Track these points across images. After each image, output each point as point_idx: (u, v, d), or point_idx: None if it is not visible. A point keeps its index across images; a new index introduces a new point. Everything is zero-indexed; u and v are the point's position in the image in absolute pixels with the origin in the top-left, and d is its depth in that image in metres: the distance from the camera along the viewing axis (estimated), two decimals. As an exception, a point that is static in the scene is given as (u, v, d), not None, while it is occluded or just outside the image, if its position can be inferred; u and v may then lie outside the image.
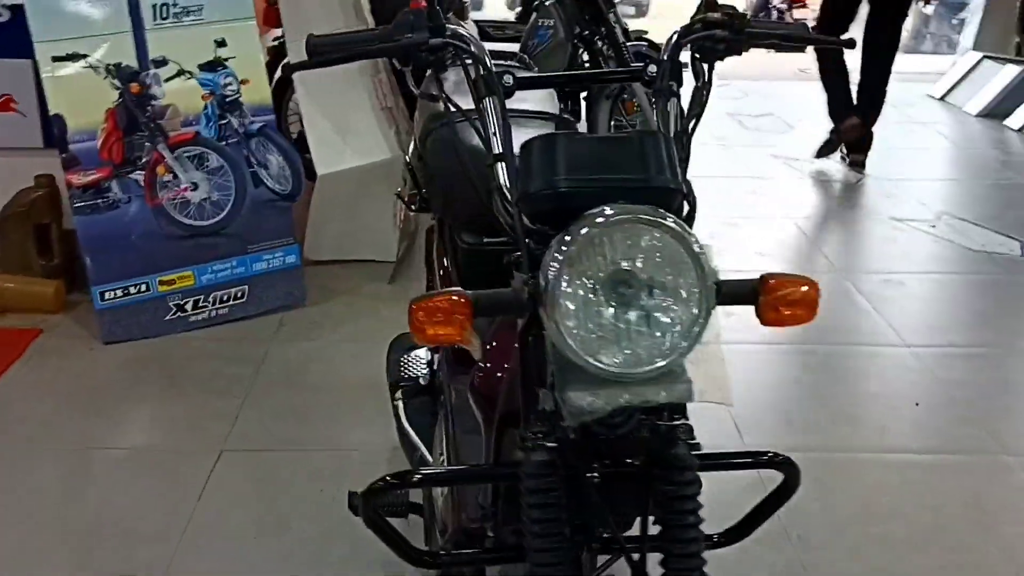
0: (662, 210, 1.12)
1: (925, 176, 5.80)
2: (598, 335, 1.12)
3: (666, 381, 1.14)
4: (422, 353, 2.55)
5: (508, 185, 1.33)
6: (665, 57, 1.38)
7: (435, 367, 2.45)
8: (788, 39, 1.40)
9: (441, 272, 2.11)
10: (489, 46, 5.31)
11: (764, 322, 1.20)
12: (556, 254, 1.12)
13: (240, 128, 3.53)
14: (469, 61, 1.40)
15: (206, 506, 2.58)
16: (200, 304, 3.53)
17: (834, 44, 1.52)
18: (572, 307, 1.11)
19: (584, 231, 1.11)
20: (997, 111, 6.95)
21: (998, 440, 2.95)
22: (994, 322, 3.84)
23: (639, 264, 1.12)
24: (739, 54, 1.39)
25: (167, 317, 3.48)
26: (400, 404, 2.21)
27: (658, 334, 1.13)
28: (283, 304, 3.71)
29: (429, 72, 2.55)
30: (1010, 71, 7.06)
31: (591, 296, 1.12)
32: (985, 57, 7.44)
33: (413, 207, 2.39)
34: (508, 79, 1.38)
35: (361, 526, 2.46)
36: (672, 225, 1.11)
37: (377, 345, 3.48)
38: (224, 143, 3.51)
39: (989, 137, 6.67)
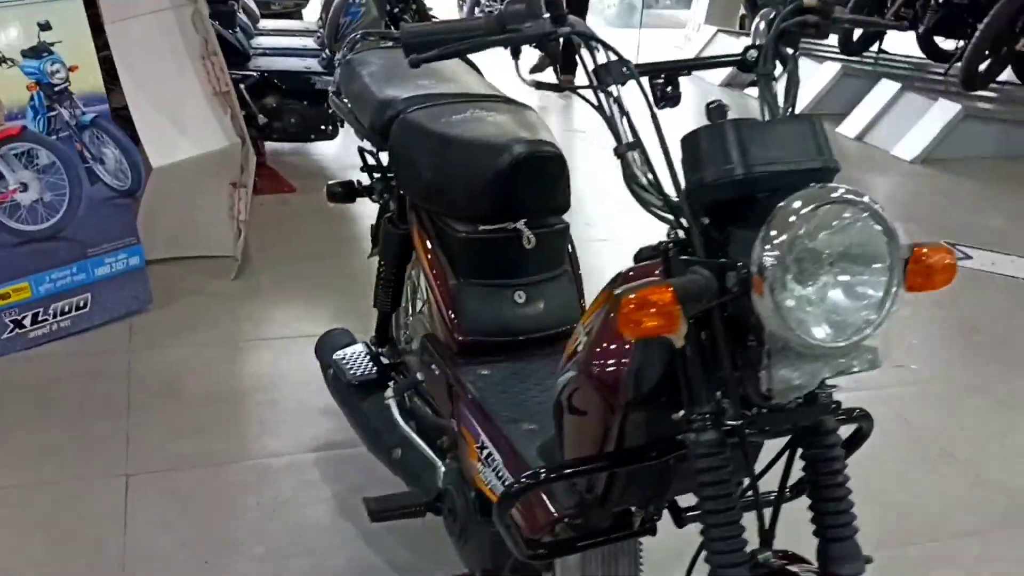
0: (853, 188, 1.19)
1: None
2: (810, 313, 1.17)
3: (857, 351, 1.21)
4: (359, 348, 2.47)
5: (646, 172, 1.34)
6: (763, 41, 1.43)
7: (381, 361, 2.39)
8: (859, 24, 1.51)
9: (429, 258, 2.05)
10: (281, 23, 5.13)
11: (909, 288, 1.29)
12: (770, 240, 1.15)
13: (72, 120, 3.19)
14: (584, 49, 1.38)
15: (136, 538, 2.35)
16: (40, 318, 3.16)
17: (892, 27, 1.64)
18: (797, 289, 1.16)
19: (797, 214, 1.15)
20: (736, 82, 7.58)
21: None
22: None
23: (845, 242, 1.18)
24: (826, 36, 1.48)
25: (4, 335, 3.09)
26: (392, 403, 2.12)
27: (860, 307, 1.19)
28: (129, 310, 3.40)
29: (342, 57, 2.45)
30: (744, 43, 7.71)
31: (807, 276, 1.17)
32: (719, 31, 8.07)
33: (374, 197, 2.29)
34: (630, 66, 1.37)
35: (315, 535, 2.37)
36: (869, 202, 1.18)
37: (245, 346, 3.32)
38: (55, 137, 3.16)
39: (734, 106, 7.26)
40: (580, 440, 1.52)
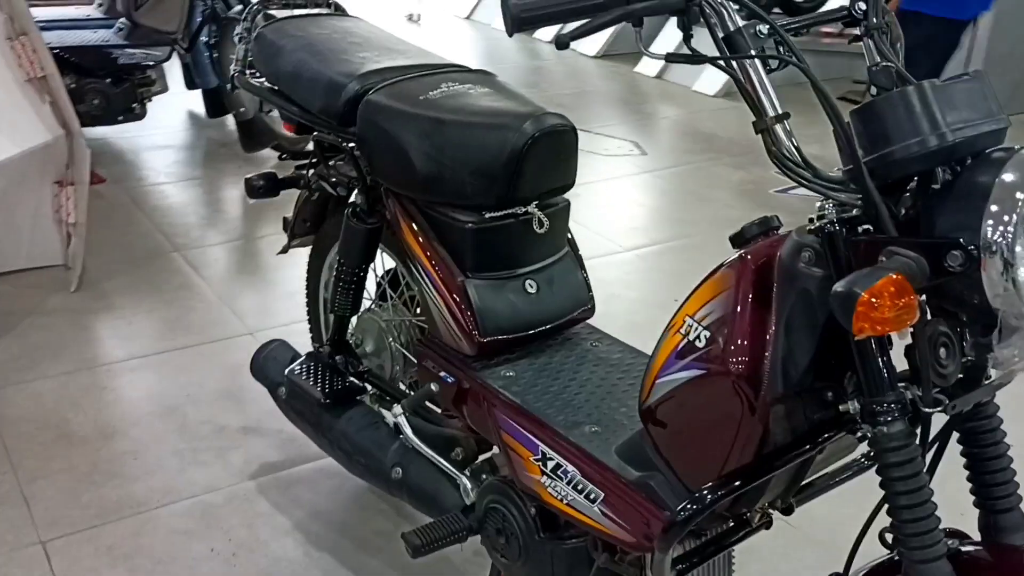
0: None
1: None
2: None
3: None
4: (314, 361, 2.20)
5: (796, 146, 1.22)
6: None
7: (346, 371, 2.14)
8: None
9: (427, 254, 1.83)
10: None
11: None
12: (994, 215, 1.07)
13: None
14: (714, 15, 1.22)
15: (86, 616, 2.00)
16: None
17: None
18: None
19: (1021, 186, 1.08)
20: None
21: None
22: (673, 215, 4.31)
23: None
24: None
25: None
26: (403, 419, 1.89)
27: None
28: (-33, 344, 2.90)
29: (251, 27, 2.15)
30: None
31: None
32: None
33: (337, 189, 2.02)
34: (762, 29, 1.23)
35: (292, 574, 2.12)
36: None
37: (119, 368, 2.93)
38: None
39: (563, 63, 7.16)
40: (705, 444, 1.40)
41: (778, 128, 1.23)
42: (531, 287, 1.85)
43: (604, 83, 6.52)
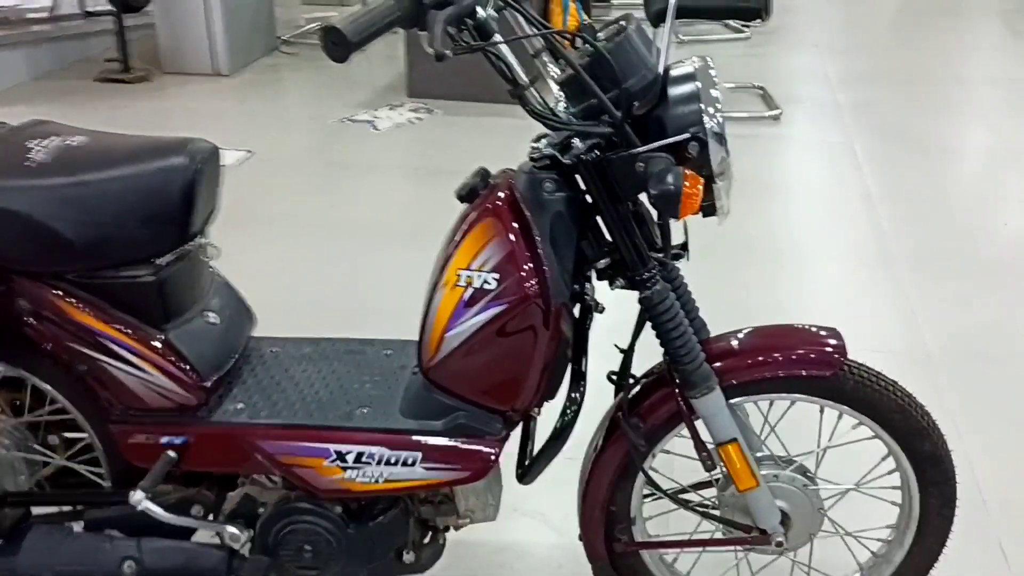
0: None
1: None
2: None
3: None
4: None
5: (544, 102, 1.49)
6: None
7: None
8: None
9: (112, 323, 1.66)
10: None
11: None
12: (707, 112, 1.50)
13: None
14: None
15: None
16: None
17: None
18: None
19: (713, 85, 1.52)
20: None
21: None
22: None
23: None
24: None
25: None
26: (148, 502, 1.67)
27: None
28: None
29: None
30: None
31: None
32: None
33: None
34: (492, 12, 1.44)
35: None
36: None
37: None
38: None
39: None
40: (510, 367, 1.64)
41: (533, 91, 1.49)
42: (213, 318, 1.81)
43: None
